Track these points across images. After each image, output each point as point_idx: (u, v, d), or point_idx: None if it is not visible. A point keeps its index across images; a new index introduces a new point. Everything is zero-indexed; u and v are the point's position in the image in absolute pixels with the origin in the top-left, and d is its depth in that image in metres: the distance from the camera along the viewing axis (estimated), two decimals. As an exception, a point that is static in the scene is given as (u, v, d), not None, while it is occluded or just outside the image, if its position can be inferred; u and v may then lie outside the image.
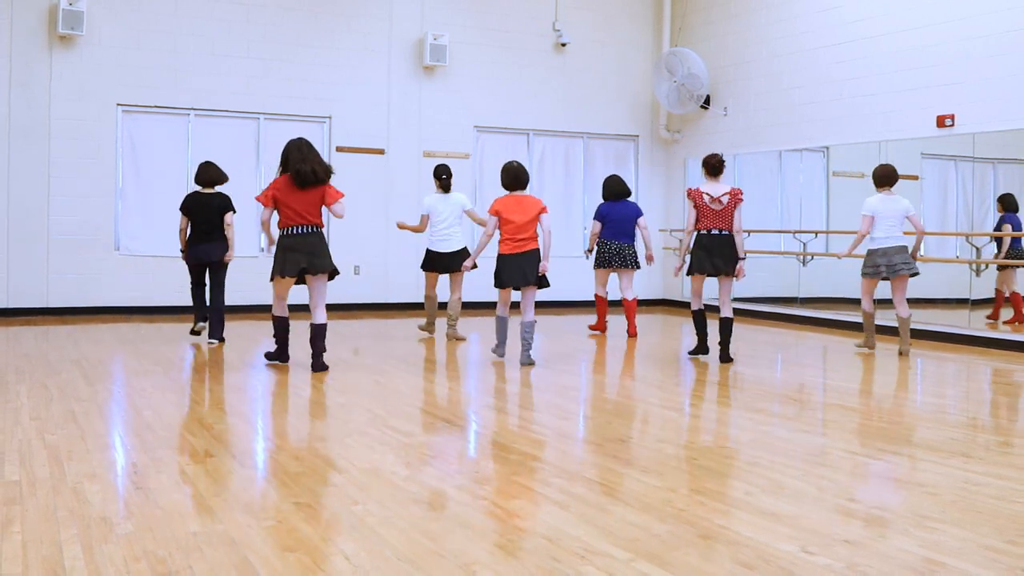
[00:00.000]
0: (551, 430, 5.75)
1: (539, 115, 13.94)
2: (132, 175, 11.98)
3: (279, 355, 8.02)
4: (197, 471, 4.52)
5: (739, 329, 11.56)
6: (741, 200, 8.37)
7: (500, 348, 8.55)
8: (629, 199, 10.60)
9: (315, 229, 7.72)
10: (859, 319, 11.22)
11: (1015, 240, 10.43)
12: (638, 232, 10.48)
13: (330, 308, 12.63)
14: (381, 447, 5.10)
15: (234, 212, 9.27)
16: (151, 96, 11.86)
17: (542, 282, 8.19)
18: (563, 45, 13.91)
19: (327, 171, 7.73)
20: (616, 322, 11.20)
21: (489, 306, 12.73)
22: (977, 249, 10.70)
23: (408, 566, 3.25)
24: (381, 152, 12.97)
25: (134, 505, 3.92)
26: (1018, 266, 10.35)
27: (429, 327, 10.16)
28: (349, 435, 5.42)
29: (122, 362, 8.25)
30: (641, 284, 14.55)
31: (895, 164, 11.67)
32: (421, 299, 12.95)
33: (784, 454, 5.07)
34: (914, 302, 11.66)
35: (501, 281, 8.22)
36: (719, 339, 8.56)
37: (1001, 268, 10.45)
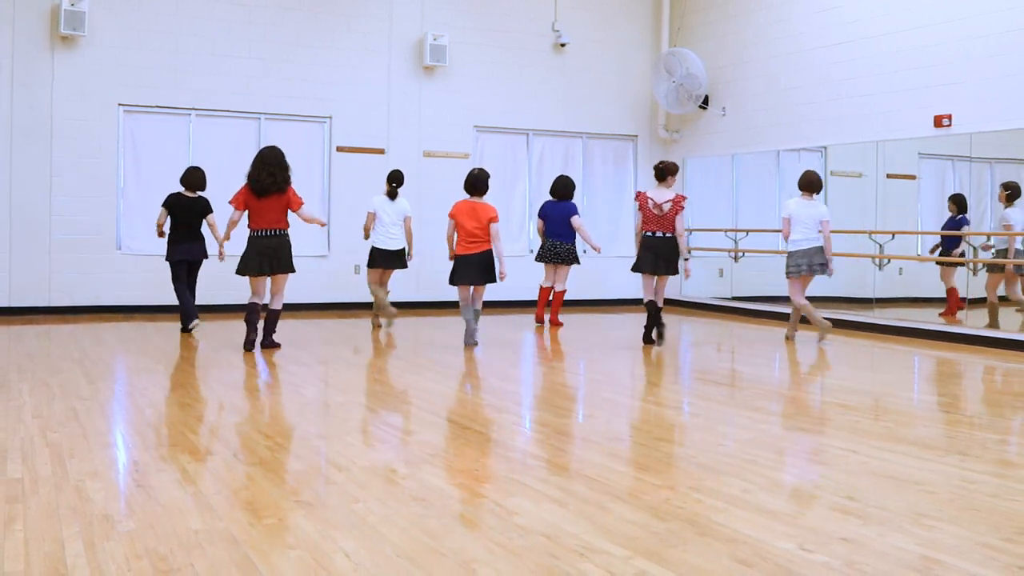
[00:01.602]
0: (549, 428, 5.78)
1: (539, 115, 13.96)
2: (133, 175, 11.99)
3: (247, 340, 8.66)
4: (198, 469, 4.54)
5: (739, 328, 11.59)
6: (682, 208, 9.16)
7: (470, 338, 9.12)
8: (571, 200, 11.32)
9: (277, 232, 8.55)
10: (856, 318, 11.33)
11: (960, 240, 10.71)
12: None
13: (330, 307, 12.80)
14: (381, 445, 5.12)
15: (212, 214, 10.00)
16: (152, 96, 11.88)
17: (484, 279, 8.97)
18: (562, 45, 13.93)
19: (286, 180, 8.54)
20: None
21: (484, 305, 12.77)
22: (974, 248, 10.74)
23: (408, 564, 3.28)
24: (381, 152, 12.99)
25: (136, 503, 3.94)
26: (959, 264, 10.63)
27: (388, 315, 10.60)
28: (349, 433, 5.45)
29: (123, 361, 8.27)
30: (640, 283, 14.58)
31: (893, 164, 11.72)
32: (419, 299, 13.04)
33: (782, 452, 5.09)
34: (912, 301, 11.73)
35: (453, 279, 9.02)
36: (646, 322, 9.47)
37: (941, 264, 10.92)
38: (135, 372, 7.65)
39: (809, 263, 9.50)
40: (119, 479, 4.40)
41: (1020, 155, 10.66)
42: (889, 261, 11.10)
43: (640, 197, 9.30)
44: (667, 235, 9.15)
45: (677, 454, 5.07)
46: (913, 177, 11.59)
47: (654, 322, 9.43)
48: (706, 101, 13.69)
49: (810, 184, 9.72)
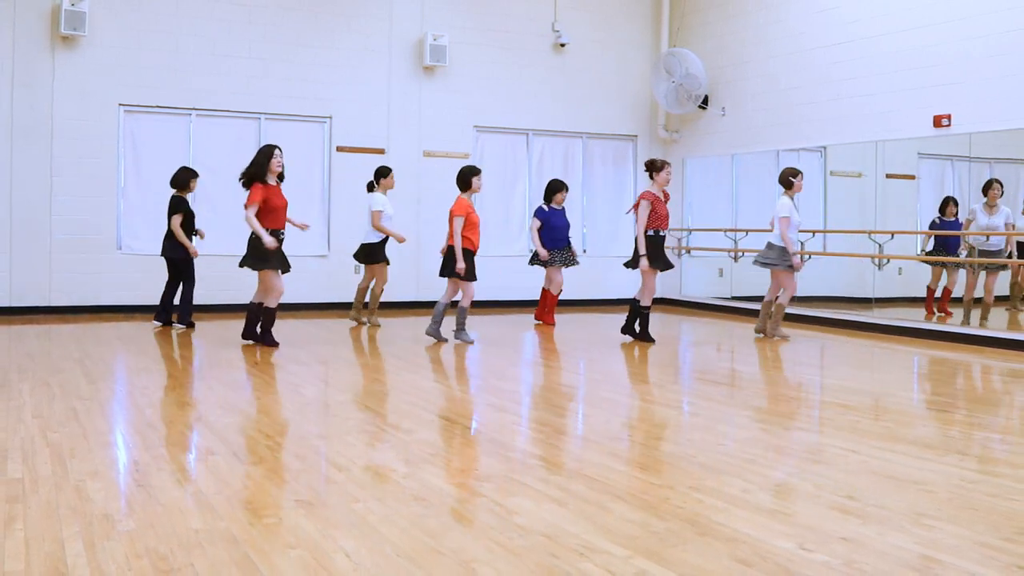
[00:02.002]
0: (549, 427, 5.78)
1: (538, 115, 13.97)
2: (134, 174, 12.00)
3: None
4: (198, 469, 4.55)
5: (738, 328, 11.59)
6: (637, 204, 9.43)
7: (431, 326, 9.40)
8: (545, 200, 11.48)
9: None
10: (855, 318, 11.36)
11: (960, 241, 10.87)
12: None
13: (331, 307, 12.79)
14: (381, 445, 5.13)
15: (178, 215, 10.08)
16: (152, 96, 11.90)
17: (450, 272, 9.19)
18: (562, 45, 13.94)
19: (244, 176, 8.59)
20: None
21: (484, 305, 12.79)
22: (972, 248, 10.73)
23: (408, 563, 3.28)
24: (381, 152, 13.00)
25: (136, 503, 3.95)
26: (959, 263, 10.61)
27: (368, 316, 10.98)
28: (349, 433, 5.46)
29: (124, 360, 8.28)
30: (638, 282, 14.59)
31: (892, 164, 11.71)
32: (418, 298, 13.07)
33: (781, 451, 5.10)
34: (910, 300, 11.75)
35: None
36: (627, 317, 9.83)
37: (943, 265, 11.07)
38: (135, 372, 7.66)
39: (763, 256, 9.94)
40: (119, 479, 4.40)
41: (1019, 155, 10.68)
42: (888, 261, 11.11)
43: None
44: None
45: (676, 453, 5.08)
46: (912, 177, 11.60)
47: (630, 317, 9.75)
48: (706, 101, 13.70)
49: (781, 181, 10.03)
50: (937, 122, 10.45)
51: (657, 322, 12.64)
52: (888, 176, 11.72)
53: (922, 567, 3.30)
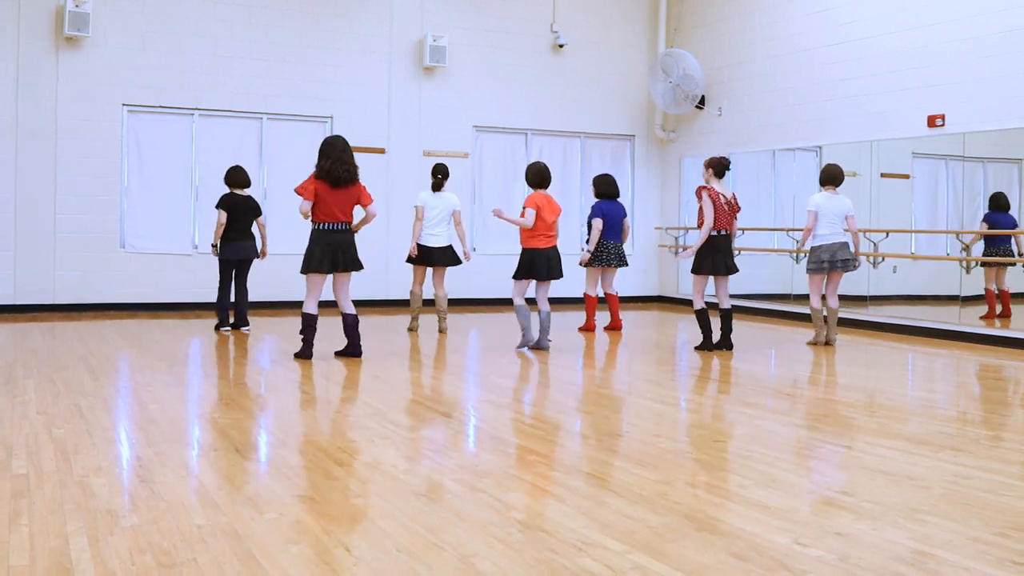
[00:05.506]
0: (548, 424, 5.83)
1: (537, 115, 14.01)
2: (137, 174, 12.05)
3: (304, 352, 8.11)
4: (201, 465, 4.60)
5: (735, 326, 11.62)
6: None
7: (527, 335, 8.86)
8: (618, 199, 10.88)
9: (347, 227, 7.99)
10: (850, 315, 11.37)
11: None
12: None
13: (330, 304, 12.78)
14: (382, 441, 5.17)
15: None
16: (156, 96, 11.94)
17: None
18: (560, 46, 13.98)
19: (358, 171, 8.01)
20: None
21: (480, 303, 12.82)
22: (967, 247, 10.76)
23: (408, 558, 3.32)
24: (382, 151, 13.05)
25: (139, 498, 3.99)
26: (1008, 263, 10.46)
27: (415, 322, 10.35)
28: (350, 429, 5.50)
29: (127, 358, 8.32)
30: (638, 281, 14.65)
31: (887, 163, 11.73)
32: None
33: (777, 447, 5.14)
34: (906, 299, 11.78)
35: (530, 273, 8.77)
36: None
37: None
38: (138, 369, 7.69)
39: (831, 257, 9.19)
40: (123, 474, 4.44)
41: (1012, 155, 10.71)
42: (883, 259, 11.16)
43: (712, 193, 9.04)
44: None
45: (673, 449, 5.12)
46: (907, 176, 11.64)
47: (726, 328, 9.26)
48: (702, 101, 13.74)
49: (833, 178, 9.35)
50: (931, 122, 10.50)
51: (655, 320, 12.70)
52: (883, 175, 11.76)
53: (916, 561, 3.34)
